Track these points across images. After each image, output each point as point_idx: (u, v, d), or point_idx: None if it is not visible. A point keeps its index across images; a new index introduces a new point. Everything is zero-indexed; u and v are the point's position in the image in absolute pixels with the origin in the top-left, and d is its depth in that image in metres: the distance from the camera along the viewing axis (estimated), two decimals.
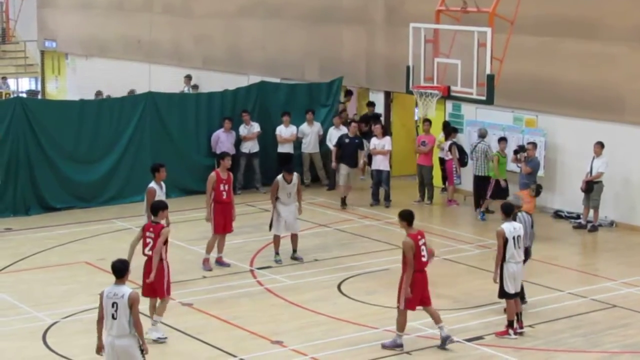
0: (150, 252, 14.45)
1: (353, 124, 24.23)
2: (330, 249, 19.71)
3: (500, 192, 21.76)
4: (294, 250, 18.80)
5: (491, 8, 18.74)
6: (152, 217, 14.90)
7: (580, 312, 16.03)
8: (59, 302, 16.35)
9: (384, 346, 14.30)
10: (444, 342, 14.31)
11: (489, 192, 21.99)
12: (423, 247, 14.14)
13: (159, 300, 14.59)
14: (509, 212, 15.02)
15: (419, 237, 14.13)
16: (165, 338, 14.53)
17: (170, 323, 15.01)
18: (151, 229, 14.54)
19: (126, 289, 11.52)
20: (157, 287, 14.41)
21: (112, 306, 11.43)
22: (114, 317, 11.42)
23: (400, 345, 14.24)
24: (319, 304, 16.26)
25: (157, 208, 14.82)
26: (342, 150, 23.41)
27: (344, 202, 23.30)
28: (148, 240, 14.51)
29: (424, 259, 14.14)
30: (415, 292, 14.07)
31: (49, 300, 16.43)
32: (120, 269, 11.65)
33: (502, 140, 22.30)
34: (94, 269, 18.23)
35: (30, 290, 17.06)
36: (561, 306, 16.34)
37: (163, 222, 14.74)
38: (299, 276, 17.65)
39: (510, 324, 14.82)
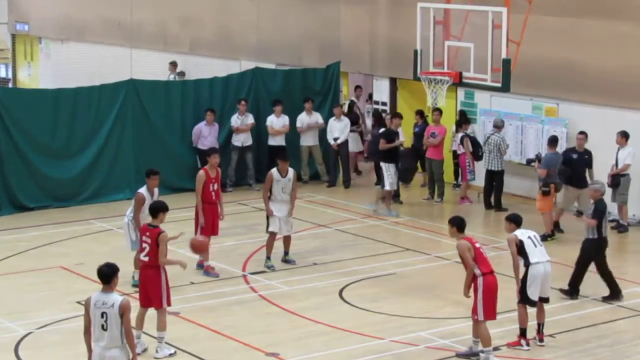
0: (146, 258, 14.35)
1: (579, 135, 21.21)
2: (331, 251, 19.69)
3: None
4: (286, 253, 18.75)
5: None
6: (151, 220, 14.70)
7: (606, 320, 16.03)
8: (33, 310, 16.31)
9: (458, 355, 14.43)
10: (470, 356, 14.45)
11: None
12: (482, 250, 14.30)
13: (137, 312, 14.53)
14: (519, 222, 15.07)
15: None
16: (175, 352, 14.50)
17: (156, 334, 14.98)
18: (147, 233, 14.44)
19: (116, 297, 11.47)
20: (153, 296, 14.36)
21: (102, 316, 11.36)
22: (104, 328, 11.36)
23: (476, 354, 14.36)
24: (319, 312, 16.24)
25: (156, 209, 14.65)
26: (570, 168, 20.81)
27: (558, 228, 20.91)
28: (144, 245, 14.41)
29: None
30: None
31: (22, 309, 16.39)
32: (107, 275, 11.54)
33: None
34: (71, 275, 18.22)
35: (1, 298, 17.03)
36: (585, 313, 16.35)
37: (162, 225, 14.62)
38: (296, 282, 17.63)
39: (522, 333, 14.83)
